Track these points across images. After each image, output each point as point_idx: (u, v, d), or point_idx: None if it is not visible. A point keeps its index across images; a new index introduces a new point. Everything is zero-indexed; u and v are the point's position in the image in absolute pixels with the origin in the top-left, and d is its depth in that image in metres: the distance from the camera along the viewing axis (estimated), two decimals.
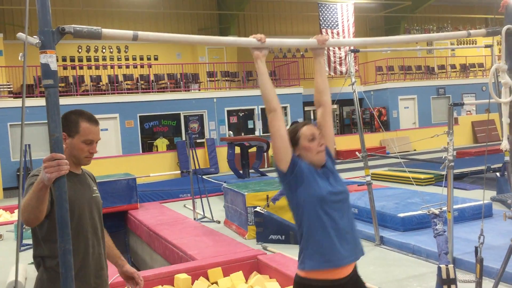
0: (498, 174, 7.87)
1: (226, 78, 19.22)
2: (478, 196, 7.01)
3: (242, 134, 18.17)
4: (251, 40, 2.29)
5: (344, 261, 2.16)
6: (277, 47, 21.51)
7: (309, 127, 2.33)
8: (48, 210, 2.01)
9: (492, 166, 9.67)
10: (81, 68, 17.85)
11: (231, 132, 17.72)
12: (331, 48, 19.41)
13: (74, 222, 2.12)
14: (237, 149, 13.10)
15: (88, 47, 18.65)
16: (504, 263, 3.26)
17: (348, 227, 2.21)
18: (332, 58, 19.34)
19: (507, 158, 6.84)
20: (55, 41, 1.78)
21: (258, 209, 6.51)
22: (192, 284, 4.34)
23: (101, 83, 17.59)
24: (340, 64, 19.52)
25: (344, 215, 2.22)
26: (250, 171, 12.67)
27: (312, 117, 22.07)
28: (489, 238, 4.46)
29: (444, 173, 4.91)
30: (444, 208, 4.52)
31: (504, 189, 7.59)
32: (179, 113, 17.57)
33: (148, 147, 17.39)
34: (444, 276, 3.50)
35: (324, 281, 2.15)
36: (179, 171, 13.87)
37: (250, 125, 18.65)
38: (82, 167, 2.36)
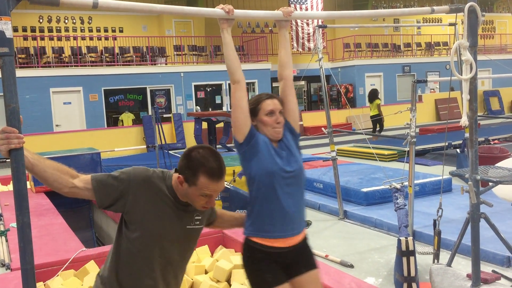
0: (458, 150, 8.09)
1: (194, 53, 18.94)
2: (439, 172, 7.20)
3: (210, 109, 18.04)
4: (218, 10, 2.26)
5: (281, 234, 2.27)
6: (245, 21, 21.32)
7: (272, 101, 2.34)
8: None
9: (453, 143, 9.96)
10: (42, 39, 17.21)
11: (198, 107, 17.57)
12: (299, 24, 19.35)
13: (137, 244, 1.92)
14: (204, 125, 13.03)
15: (49, 17, 17.98)
16: (461, 235, 3.38)
17: (292, 205, 2.28)
18: (300, 34, 19.30)
19: (467, 134, 7.04)
20: (11, 8, 1.72)
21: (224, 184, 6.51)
22: None
23: (63, 55, 17.05)
24: (308, 40, 19.52)
25: (293, 192, 2.29)
26: (217, 146, 12.65)
27: (280, 93, 22.04)
28: (447, 211, 4.61)
29: (406, 149, 5.02)
30: (406, 183, 4.63)
31: (464, 165, 7.83)
32: (145, 87, 17.27)
33: (113, 122, 17.08)
34: (403, 248, 3.60)
35: (264, 246, 2.27)
36: (145, 146, 13.71)
37: (218, 100, 18.53)
38: None
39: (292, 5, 18.64)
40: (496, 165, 3.92)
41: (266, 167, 2.24)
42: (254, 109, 2.34)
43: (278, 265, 2.30)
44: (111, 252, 2.00)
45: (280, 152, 2.32)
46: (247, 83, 18.98)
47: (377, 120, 13.20)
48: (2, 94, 1.78)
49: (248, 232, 2.31)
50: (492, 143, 11.33)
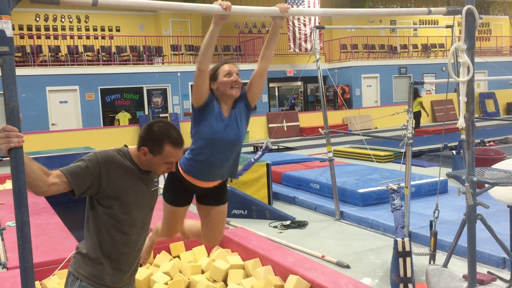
0: (454, 152, 8.13)
1: (190, 52, 18.92)
2: (435, 173, 7.24)
3: None
4: (215, 6, 2.30)
5: (202, 178, 2.74)
6: (242, 21, 21.31)
7: (229, 65, 2.69)
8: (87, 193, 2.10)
9: (449, 144, 10.00)
10: (39, 37, 17.15)
11: None
12: (296, 25, 19.36)
13: (117, 216, 2.12)
14: None
15: (46, 16, 17.92)
16: (457, 236, 3.40)
17: (220, 161, 2.71)
18: (297, 35, 19.31)
19: (463, 136, 7.07)
20: (11, 6, 1.72)
21: None
22: (154, 258, 4.34)
23: (60, 53, 17.00)
24: (305, 41, 19.52)
25: (225, 153, 2.70)
26: None
27: (276, 94, 22.05)
28: (443, 213, 4.64)
29: (403, 150, 5.04)
30: (402, 184, 4.65)
31: (459, 166, 7.86)
32: (142, 87, 17.24)
33: (109, 121, 17.04)
34: (400, 249, 3.62)
35: (185, 179, 2.76)
36: None
37: None
38: None
39: (289, 5, 18.64)
40: (492, 166, 3.94)
41: (207, 134, 2.65)
42: (214, 74, 2.67)
43: (186, 192, 2.81)
44: (86, 232, 2.17)
45: (227, 121, 2.67)
46: (244, 84, 18.94)
47: (417, 117, 14.11)
48: (1, 92, 1.78)
49: (181, 164, 2.75)
50: (487, 145, 11.39)
